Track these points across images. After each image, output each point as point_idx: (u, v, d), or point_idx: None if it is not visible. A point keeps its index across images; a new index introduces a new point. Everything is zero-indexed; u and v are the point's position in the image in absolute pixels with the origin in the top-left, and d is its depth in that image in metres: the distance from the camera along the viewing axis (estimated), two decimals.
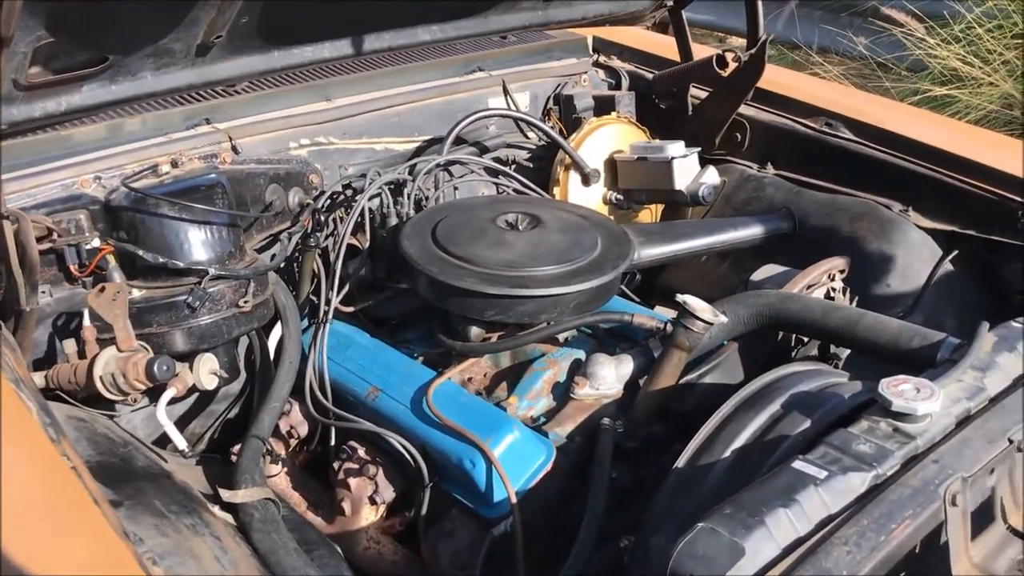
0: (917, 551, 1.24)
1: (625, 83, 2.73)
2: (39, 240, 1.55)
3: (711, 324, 1.69)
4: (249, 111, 2.16)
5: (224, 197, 1.85)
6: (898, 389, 1.34)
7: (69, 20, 1.42)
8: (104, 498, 1.15)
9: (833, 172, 2.36)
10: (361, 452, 1.87)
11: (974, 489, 1.27)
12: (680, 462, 1.46)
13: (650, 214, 2.54)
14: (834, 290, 1.96)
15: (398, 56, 2.51)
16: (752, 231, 2.19)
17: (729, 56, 2.39)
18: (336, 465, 1.90)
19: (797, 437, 1.40)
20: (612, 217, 2.47)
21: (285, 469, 2.05)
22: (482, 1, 2.15)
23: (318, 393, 1.90)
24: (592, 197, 2.44)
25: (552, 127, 2.59)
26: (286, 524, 1.55)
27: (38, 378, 1.56)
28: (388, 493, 1.83)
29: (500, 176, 2.30)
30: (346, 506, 1.87)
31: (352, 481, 1.86)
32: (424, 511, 1.76)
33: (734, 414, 1.50)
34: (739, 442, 1.45)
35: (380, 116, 2.32)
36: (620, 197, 2.44)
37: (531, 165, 2.52)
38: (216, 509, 1.47)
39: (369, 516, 1.86)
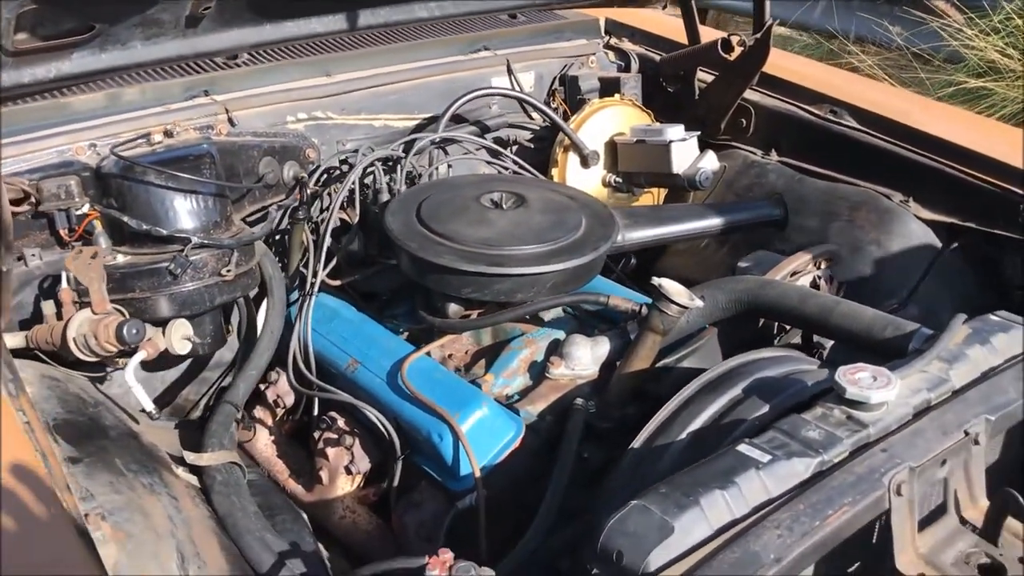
0: (861, 538, 1.24)
1: (635, 66, 2.71)
2: (18, 203, 1.59)
3: (686, 308, 1.69)
4: (248, 84, 2.19)
5: (212, 167, 1.88)
6: (854, 377, 1.32)
7: None
8: (52, 450, 1.18)
9: (836, 160, 2.33)
10: (340, 423, 1.89)
11: (922, 480, 1.25)
12: (637, 442, 1.47)
13: (652, 198, 2.53)
14: (819, 278, 1.94)
15: (403, 33, 2.53)
16: (741, 216, 2.17)
17: (734, 40, 2.37)
18: (316, 435, 1.93)
19: (753, 421, 1.40)
20: (612, 200, 2.47)
21: (272, 438, 2.09)
22: None
23: (301, 364, 1.92)
24: (591, 179, 2.44)
25: (556, 108, 2.59)
26: (252, 489, 1.58)
27: (19, 338, 1.61)
28: (363, 464, 1.85)
29: (495, 156, 2.30)
30: (324, 475, 1.90)
31: (330, 451, 1.88)
32: (396, 483, 1.78)
33: (695, 396, 1.49)
34: (696, 424, 1.45)
35: (379, 92, 2.33)
36: (619, 180, 2.43)
37: (532, 146, 2.52)
38: (180, 471, 1.50)
39: (345, 485, 1.88)
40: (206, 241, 1.78)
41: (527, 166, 2.29)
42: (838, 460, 1.26)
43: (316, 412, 1.94)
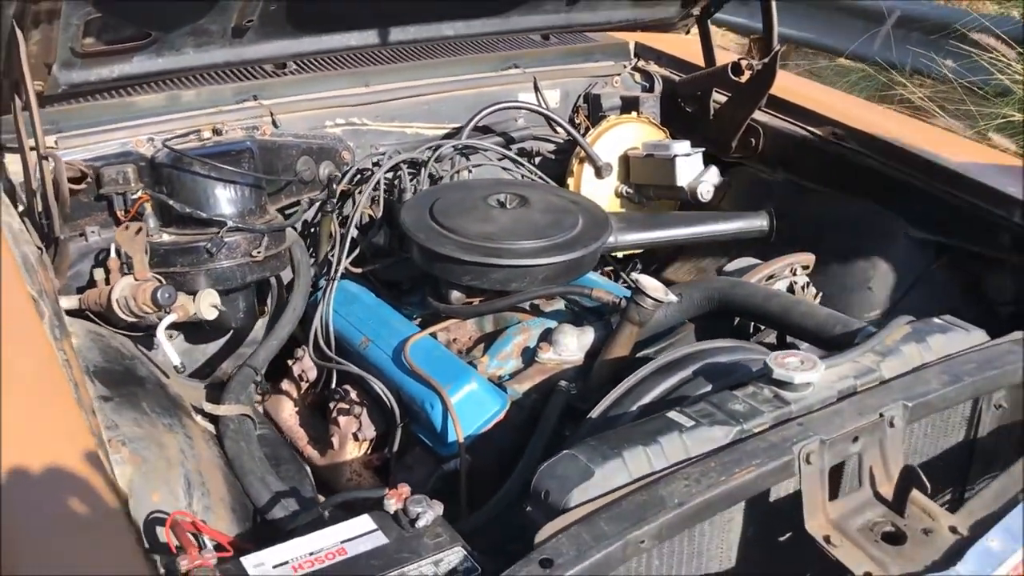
0: (771, 500, 1.40)
1: (658, 86, 2.88)
2: (77, 181, 1.85)
3: (660, 302, 1.85)
4: (294, 91, 2.44)
5: (251, 162, 2.12)
6: (784, 360, 1.47)
7: None
8: (84, 382, 1.41)
9: (837, 178, 2.47)
10: (353, 394, 2.10)
11: (832, 452, 1.39)
12: (594, 413, 1.64)
13: (669, 208, 2.69)
14: (795, 283, 2.08)
15: (439, 50, 2.76)
16: (730, 226, 2.32)
17: (744, 64, 2.53)
18: (331, 405, 2.14)
19: (696, 398, 1.56)
20: (623, 209, 2.65)
21: (296, 408, 2.31)
22: (507, 1, 2.35)
23: (320, 340, 2.15)
24: (605, 189, 2.62)
25: (579, 123, 2.78)
26: (263, 441, 1.80)
27: (73, 300, 1.86)
28: (370, 431, 2.06)
29: (512, 163, 2.50)
30: (335, 441, 2.11)
31: (341, 419, 2.10)
32: (396, 448, 1.98)
33: (651, 376, 1.66)
34: (647, 399, 1.61)
35: (412, 103, 2.56)
36: (631, 191, 2.61)
37: (554, 157, 2.71)
38: (199, 418, 1.73)
39: (353, 451, 2.09)
40: (240, 225, 2.02)
41: (540, 173, 2.49)
42: (757, 430, 1.42)
43: (332, 384, 2.16)
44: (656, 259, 2.74)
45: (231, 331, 2.27)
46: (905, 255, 2.29)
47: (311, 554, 1.28)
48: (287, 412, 2.31)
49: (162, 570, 1.23)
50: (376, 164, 2.41)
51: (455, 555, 1.28)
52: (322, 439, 2.20)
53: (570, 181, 2.61)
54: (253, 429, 1.77)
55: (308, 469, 1.88)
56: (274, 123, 2.33)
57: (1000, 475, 1.54)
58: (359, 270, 2.28)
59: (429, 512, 1.33)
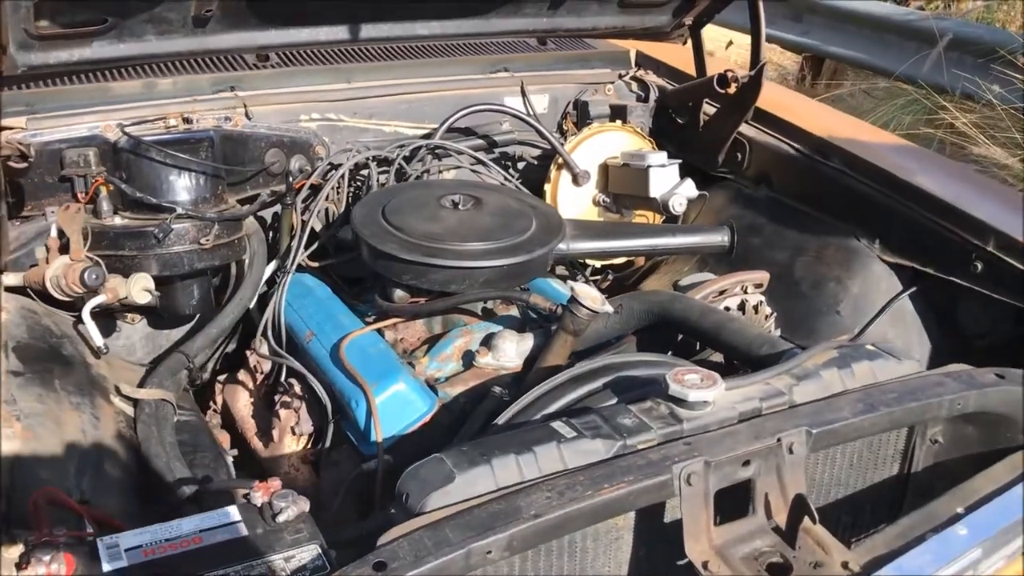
0: (665, 521, 1.35)
1: (653, 96, 2.83)
2: (13, 159, 1.88)
3: (595, 312, 1.81)
4: (272, 84, 2.45)
5: (209, 151, 2.14)
6: (682, 377, 1.42)
7: None
8: None
9: (817, 197, 2.40)
10: (296, 388, 2.10)
11: (719, 475, 1.34)
12: (500, 420, 1.60)
13: (648, 220, 2.64)
14: (746, 302, 2.02)
15: (430, 50, 2.75)
16: (688, 240, 2.26)
17: (730, 75, 2.47)
18: (275, 398, 2.14)
19: (588, 409, 1.51)
20: (601, 218, 2.60)
21: (251, 399, 2.32)
22: (486, 3, 2.33)
23: (270, 333, 2.15)
24: (583, 197, 2.58)
25: (566, 130, 2.75)
26: (185, 427, 1.81)
27: (18, 278, 1.89)
28: (307, 426, 2.05)
29: (482, 165, 2.48)
30: (275, 433, 2.11)
31: (282, 412, 2.10)
32: (328, 444, 1.97)
33: (561, 385, 1.61)
34: (551, 408, 1.57)
35: (393, 101, 2.55)
36: (608, 200, 2.56)
37: (536, 163, 2.68)
38: (117, 400, 1.74)
39: (291, 445, 2.09)
40: (189, 212, 2.03)
41: (506, 176, 2.47)
42: (642, 447, 1.37)
43: (279, 377, 2.16)
44: (636, 270, 2.69)
45: (194, 319, 2.28)
46: (877, 280, 2.21)
47: (167, 540, 1.27)
48: (242, 402, 2.32)
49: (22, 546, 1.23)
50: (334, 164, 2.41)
51: (309, 552, 1.26)
52: (268, 430, 2.21)
53: (547, 187, 2.57)
54: (171, 414, 1.77)
55: (229, 458, 1.88)
56: (247, 114, 2.35)
57: (912, 513, 1.46)
58: (316, 264, 2.27)
59: (292, 508, 1.32)
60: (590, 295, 1.83)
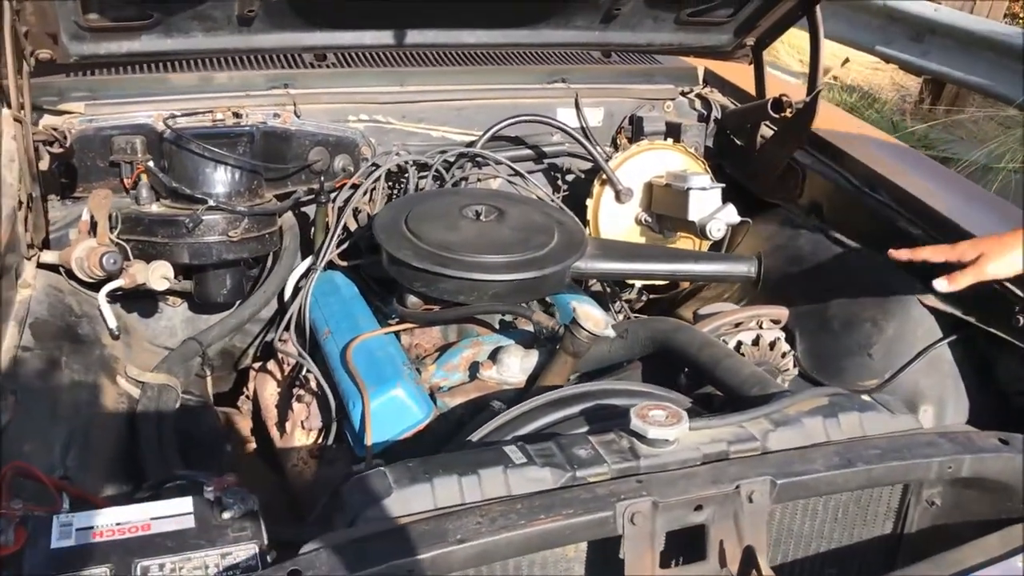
0: (603, 553, 1.32)
1: (714, 115, 2.77)
2: (49, 144, 1.97)
3: (595, 335, 1.79)
4: (326, 84, 2.50)
5: (248, 147, 2.20)
6: (647, 413, 1.39)
7: None
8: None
9: (864, 232, 2.30)
10: (312, 384, 2.14)
11: (667, 517, 1.30)
12: (474, 437, 1.60)
13: (691, 243, 2.58)
14: (761, 336, 1.95)
15: (488, 57, 2.76)
16: (714, 268, 2.19)
17: (785, 100, 2.39)
18: (294, 391, 2.19)
19: (547, 436, 1.49)
20: (642, 237, 2.56)
21: (278, 389, 2.38)
22: (535, 13, 2.32)
23: (292, 326, 2.20)
24: (626, 214, 2.54)
25: (621, 145, 2.71)
26: (187, 413, 1.87)
27: (54, 256, 1.98)
28: (316, 422, 2.09)
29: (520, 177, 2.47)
30: (287, 426, 2.16)
31: (295, 406, 2.14)
32: (330, 441, 2.01)
33: (538, 408, 1.60)
34: (522, 431, 1.56)
35: (443, 107, 2.57)
36: (650, 219, 2.51)
37: (584, 176, 2.66)
38: (123, 382, 1.81)
39: (301, 439, 2.13)
40: (220, 205, 2.10)
41: (544, 189, 2.45)
42: (592, 480, 1.34)
43: (299, 371, 2.21)
44: (678, 293, 2.64)
45: (228, 307, 2.35)
46: (915, 324, 2.10)
47: (118, 524, 1.32)
48: (269, 391, 2.38)
49: None
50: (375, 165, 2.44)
51: (246, 551, 1.28)
52: (284, 423, 2.26)
53: (590, 202, 2.54)
54: (173, 399, 1.83)
55: (227, 447, 1.93)
56: (296, 112, 2.40)
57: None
58: (345, 263, 2.31)
59: (240, 506, 1.34)
60: (592, 317, 1.81)
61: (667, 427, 1.36)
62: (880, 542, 1.60)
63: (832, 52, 7.71)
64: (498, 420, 1.59)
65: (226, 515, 1.34)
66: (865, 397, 1.56)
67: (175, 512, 1.36)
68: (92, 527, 1.31)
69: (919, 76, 7.10)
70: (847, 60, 7.32)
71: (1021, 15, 7.87)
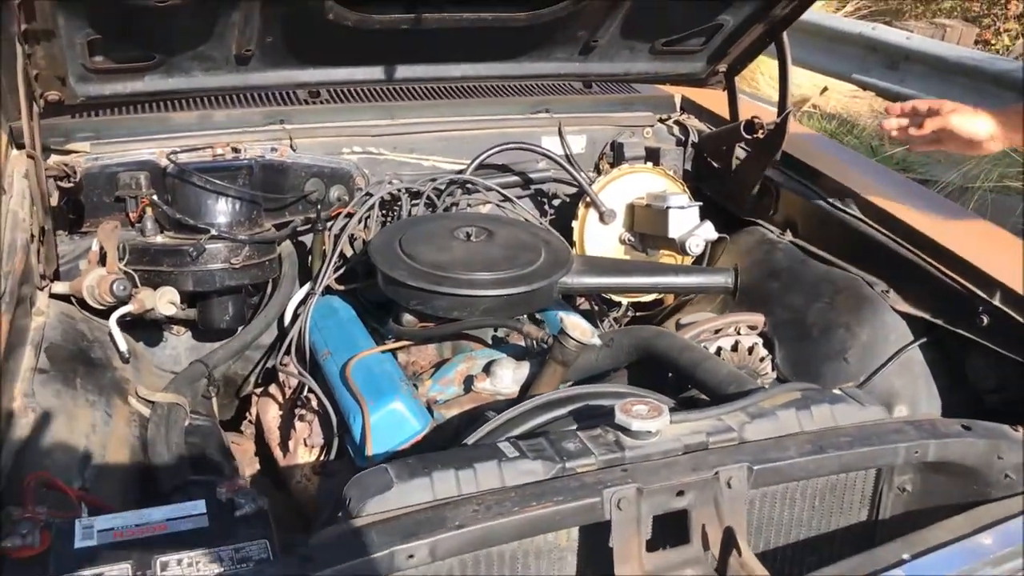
0: (594, 541, 1.41)
1: (692, 139, 2.90)
2: (60, 179, 2.08)
3: (582, 344, 1.89)
4: (319, 119, 2.62)
5: (247, 179, 2.31)
6: (630, 407, 1.48)
7: (108, 22, 1.92)
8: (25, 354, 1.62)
9: (837, 245, 2.41)
10: (313, 403, 2.23)
11: (651, 503, 1.39)
12: (470, 439, 1.69)
13: (673, 259, 2.69)
14: (740, 342, 2.05)
15: (474, 90, 2.88)
16: (693, 280, 2.31)
17: (757, 122, 2.51)
18: (295, 411, 2.28)
19: (537, 432, 1.58)
20: (627, 256, 2.67)
21: (281, 412, 2.47)
22: (518, 46, 2.45)
23: (293, 350, 2.29)
24: (610, 235, 2.65)
25: (603, 170, 2.83)
26: (197, 431, 1.95)
27: (65, 286, 2.08)
28: (318, 439, 2.18)
29: (510, 202, 2.58)
30: (291, 444, 2.25)
31: (298, 425, 2.23)
32: (331, 456, 2.09)
33: (531, 410, 1.69)
34: (516, 432, 1.65)
35: (432, 137, 2.69)
36: (633, 239, 2.63)
37: (569, 200, 2.78)
38: (133, 402, 1.90)
39: (304, 456, 2.21)
40: (221, 234, 2.20)
41: (531, 212, 2.56)
42: (581, 470, 1.43)
43: (301, 392, 2.30)
44: (663, 308, 2.74)
45: (230, 333, 2.44)
46: (888, 329, 2.20)
47: (137, 526, 1.41)
48: (271, 414, 2.46)
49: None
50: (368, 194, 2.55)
51: (257, 547, 1.37)
52: (287, 442, 2.34)
53: (575, 224, 2.65)
54: (182, 417, 1.92)
55: (235, 463, 2.01)
56: (292, 146, 2.52)
57: (858, 555, 1.47)
58: (342, 287, 2.42)
59: (251, 505, 1.43)
60: (579, 327, 1.91)
61: (649, 420, 1.46)
62: (856, 529, 1.69)
63: (812, 82, 7.91)
64: (492, 423, 1.68)
65: (238, 514, 1.43)
66: (836, 391, 1.66)
67: (190, 513, 1.44)
68: (113, 528, 1.40)
69: (896, 102, 7.28)
70: (825, 89, 7.50)
71: (992, 41, 8.09)
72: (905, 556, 1.45)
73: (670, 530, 1.45)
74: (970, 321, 2.05)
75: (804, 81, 7.94)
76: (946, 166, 5.64)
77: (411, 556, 1.27)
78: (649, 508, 1.40)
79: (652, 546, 1.42)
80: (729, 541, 1.40)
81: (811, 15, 7.41)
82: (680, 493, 1.41)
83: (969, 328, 2.05)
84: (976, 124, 2.06)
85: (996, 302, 2.00)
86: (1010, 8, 8.15)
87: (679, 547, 1.43)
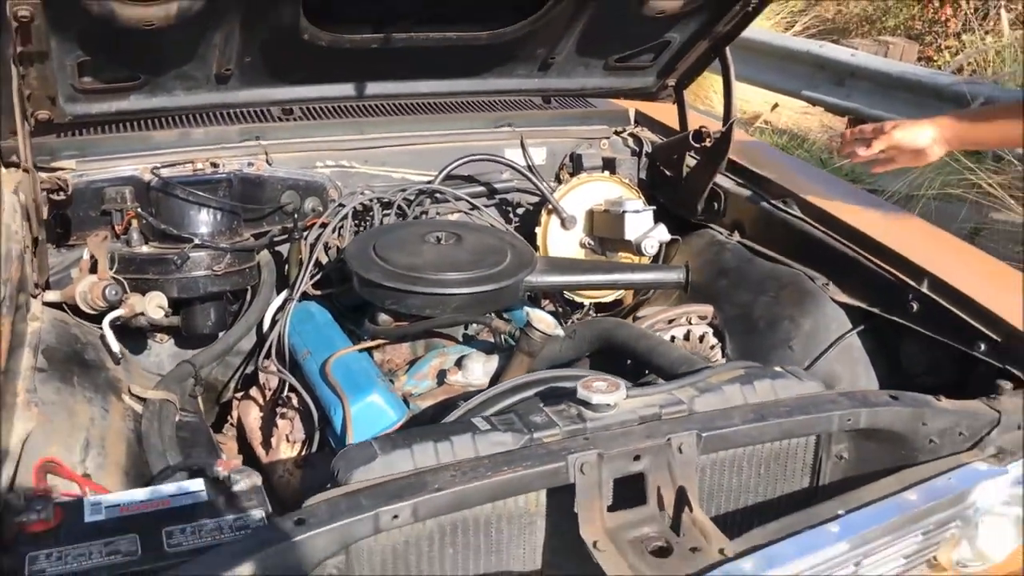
0: (561, 506, 1.55)
1: (646, 150, 3.08)
2: (53, 192, 2.21)
3: (547, 335, 2.05)
4: (293, 134, 2.77)
5: (227, 191, 2.45)
6: (591, 384, 1.64)
7: (98, 45, 2.06)
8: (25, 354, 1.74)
9: (781, 244, 2.59)
10: (294, 401, 2.36)
11: (611, 467, 1.54)
12: (449, 419, 1.83)
13: (630, 260, 2.85)
14: (691, 331, 2.21)
15: (442, 106, 3.05)
16: (647, 276, 2.48)
17: (704, 131, 2.70)
18: (277, 410, 2.41)
19: (508, 408, 1.73)
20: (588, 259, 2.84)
21: (262, 413, 2.59)
22: (481, 64, 2.61)
23: (273, 352, 2.42)
24: (571, 240, 2.82)
25: (563, 180, 3.00)
26: (186, 427, 2.08)
27: (57, 295, 2.19)
28: (299, 434, 2.31)
29: (477, 210, 2.74)
30: (274, 440, 2.37)
31: (280, 422, 2.36)
32: (313, 449, 2.22)
33: (502, 392, 1.84)
34: (489, 412, 1.80)
35: (402, 151, 2.85)
36: (592, 243, 2.80)
37: (532, 208, 2.94)
38: (127, 399, 2.03)
39: (287, 451, 2.34)
40: (205, 243, 2.34)
41: (497, 219, 2.73)
42: (547, 440, 1.58)
43: (281, 392, 2.43)
44: (625, 307, 2.91)
45: (212, 338, 2.56)
46: (829, 319, 2.38)
47: (141, 502, 1.54)
48: (252, 415, 2.59)
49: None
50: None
51: (254, 515, 1.51)
52: (270, 440, 2.47)
53: (539, 231, 2.82)
54: (172, 412, 2.04)
55: (223, 455, 2.13)
56: (268, 161, 2.66)
57: (797, 512, 1.63)
58: (319, 292, 2.55)
59: (246, 481, 1.57)
60: (544, 320, 2.06)
61: (608, 394, 1.61)
62: (800, 495, 1.85)
63: (764, 99, 8.19)
64: (466, 406, 1.83)
65: (235, 488, 1.56)
66: (777, 368, 1.83)
67: (189, 490, 1.58)
68: (119, 504, 1.53)
69: (844, 117, 7.56)
70: (776, 105, 7.77)
71: (935, 57, 8.44)
72: (840, 512, 1.62)
73: (629, 493, 1.59)
74: (902, 308, 2.23)
75: (756, 98, 8.23)
76: (893, 176, 5.89)
77: (395, 516, 1.40)
78: (609, 472, 1.54)
79: (613, 508, 1.57)
80: (682, 501, 1.55)
81: (762, 35, 7.76)
82: (637, 458, 1.56)
83: (902, 315, 2.23)
84: (918, 134, 2.26)
85: (924, 289, 2.18)
86: (950, 26, 8.51)
87: (637, 507, 1.57)
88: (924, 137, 2.26)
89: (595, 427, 1.61)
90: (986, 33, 8.18)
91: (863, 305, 2.34)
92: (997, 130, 2.28)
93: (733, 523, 1.80)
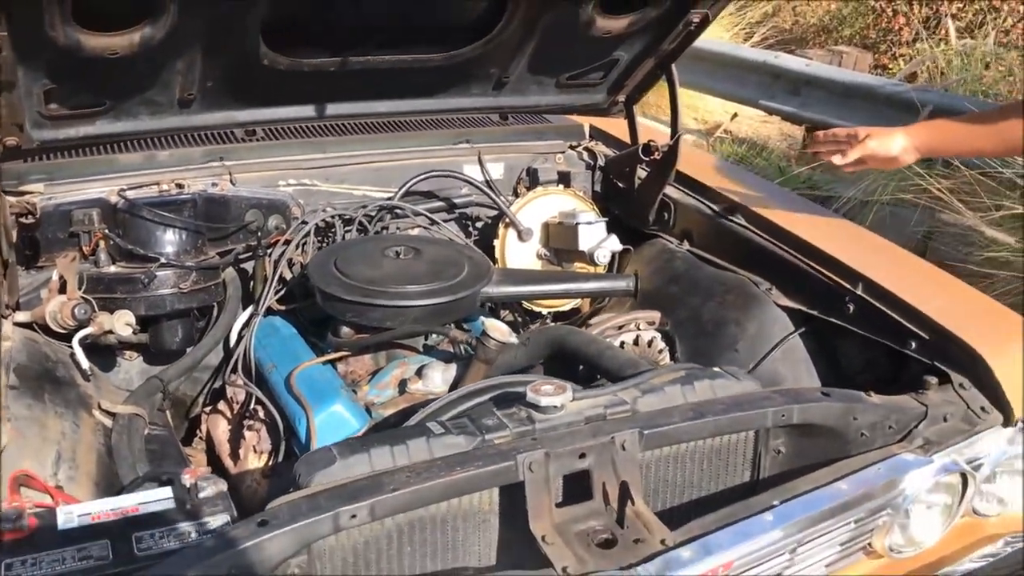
0: (513, 504, 1.64)
1: (600, 163, 3.19)
2: (22, 216, 2.28)
3: (502, 344, 2.14)
4: (256, 155, 2.85)
5: (192, 211, 2.53)
6: (539, 387, 1.74)
7: (64, 73, 2.13)
8: None
9: (728, 251, 2.71)
10: (260, 413, 2.44)
11: (558, 464, 1.64)
12: (407, 424, 1.92)
13: (584, 269, 2.96)
14: (640, 336, 2.32)
15: (402, 125, 3.14)
16: (596, 285, 2.60)
17: (653, 145, 2.81)
18: (244, 422, 2.49)
19: (461, 412, 1.83)
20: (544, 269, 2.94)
21: (229, 426, 2.67)
22: (437, 83, 2.71)
23: (239, 366, 2.50)
24: (528, 252, 2.92)
25: (520, 194, 3.10)
26: (155, 439, 2.15)
27: (26, 315, 2.26)
28: (266, 445, 2.39)
29: (435, 224, 2.84)
30: (242, 452, 2.45)
31: (247, 433, 2.44)
32: (280, 459, 2.30)
33: (458, 399, 1.93)
34: (445, 417, 1.89)
35: (362, 168, 2.94)
36: (548, 254, 2.90)
37: (490, 222, 3.04)
38: (97, 414, 2.10)
39: (254, 462, 2.42)
40: (170, 262, 2.42)
41: (455, 233, 2.82)
42: (498, 441, 1.68)
43: (248, 405, 2.50)
44: (581, 315, 3.01)
45: (179, 354, 2.63)
46: (772, 322, 2.50)
47: (112, 510, 1.61)
48: (220, 429, 2.66)
49: None
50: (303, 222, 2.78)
51: (219, 520, 1.59)
52: (237, 451, 2.54)
53: (496, 243, 2.92)
54: (141, 426, 2.12)
55: (191, 466, 2.21)
56: (231, 180, 2.74)
57: (735, 504, 1.74)
58: (283, 307, 2.63)
59: (212, 488, 1.65)
60: (499, 329, 2.16)
61: (555, 396, 1.71)
62: (741, 489, 1.95)
63: (724, 109, 8.37)
64: (423, 412, 1.92)
65: (201, 495, 1.64)
66: (716, 368, 1.93)
67: (158, 498, 1.65)
68: (90, 512, 1.60)
69: (800, 125, 7.75)
70: (735, 115, 7.94)
71: (890, 66, 8.66)
72: (775, 502, 1.73)
73: (576, 490, 1.69)
74: (840, 311, 2.35)
75: (716, 108, 8.41)
76: (847, 183, 6.05)
77: (354, 516, 1.49)
78: (556, 469, 1.64)
79: (561, 504, 1.67)
80: (625, 495, 1.65)
81: (721, 46, 7.94)
82: (582, 456, 1.66)
83: (839, 317, 2.35)
84: (891, 144, 2.38)
85: (860, 292, 2.30)
86: (903, 35, 8.73)
87: (584, 503, 1.67)
88: (896, 146, 2.39)
89: (543, 428, 1.70)
90: (939, 41, 8.41)
91: (804, 308, 2.46)
92: (967, 140, 2.41)
93: (679, 517, 1.90)
